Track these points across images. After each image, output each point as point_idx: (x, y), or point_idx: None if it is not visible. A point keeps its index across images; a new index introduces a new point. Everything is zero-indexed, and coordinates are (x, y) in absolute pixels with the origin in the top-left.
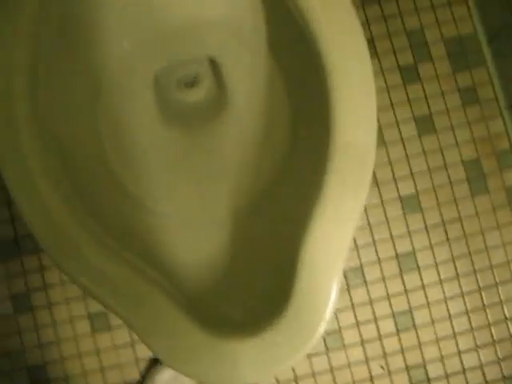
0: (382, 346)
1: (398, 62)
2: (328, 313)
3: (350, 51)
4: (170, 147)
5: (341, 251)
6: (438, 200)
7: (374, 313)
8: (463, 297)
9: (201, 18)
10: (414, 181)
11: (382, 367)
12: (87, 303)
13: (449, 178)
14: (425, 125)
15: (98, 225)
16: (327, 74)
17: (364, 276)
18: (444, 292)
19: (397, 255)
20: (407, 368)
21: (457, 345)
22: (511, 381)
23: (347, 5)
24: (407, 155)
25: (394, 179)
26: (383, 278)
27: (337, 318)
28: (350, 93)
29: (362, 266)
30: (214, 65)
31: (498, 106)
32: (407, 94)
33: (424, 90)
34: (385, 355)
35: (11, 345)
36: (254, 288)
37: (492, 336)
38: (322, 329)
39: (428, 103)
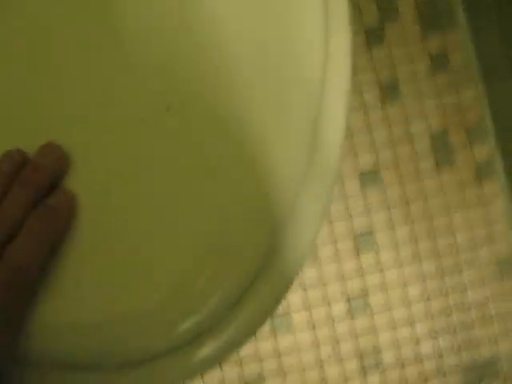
0: (334, 331)
1: (363, 23)
2: None
3: None
4: None
5: None
6: (400, 174)
7: (326, 295)
8: (424, 280)
9: None
10: (375, 153)
11: (333, 353)
12: None
13: (413, 150)
14: (389, 91)
15: None
16: None
17: (317, 255)
18: (404, 275)
19: (354, 233)
20: (360, 354)
21: (414, 331)
22: (470, 370)
23: None
24: (369, 124)
25: (354, 150)
26: (338, 258)
27: (286, 299)
28: None
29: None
30: None
31: (470, 75)
32: (372, 57)
33: (390, 54)
34: (336, 341)
35: None
36: None
37: (453, 323)
38: None
39: (394, 68)
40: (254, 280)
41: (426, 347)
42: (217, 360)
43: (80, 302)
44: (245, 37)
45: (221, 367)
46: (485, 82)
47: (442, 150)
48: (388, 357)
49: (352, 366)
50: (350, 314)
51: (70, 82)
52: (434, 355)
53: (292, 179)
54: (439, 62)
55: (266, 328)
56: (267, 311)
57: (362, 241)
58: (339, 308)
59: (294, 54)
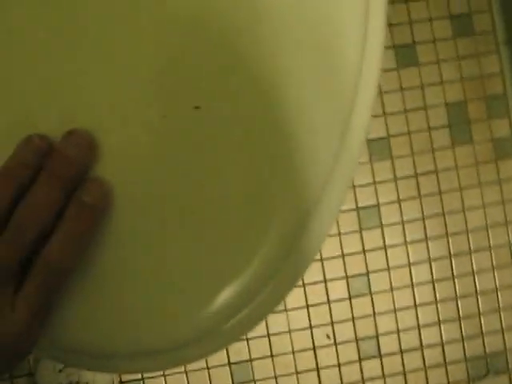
0: (330, 313)
1: None
2: None
3: None
4: None
5: None
6: (412, 147)
7: (324, 273)
8: (430, 263)
9: None
10: (385, 122)
11: (327, 336)
12: None
13: (428, 121)
14: (406, 55)
15: None
16: None
17: None
18: (408, 256)
19: (357, 208)
20: (357, 339)
21: (417, 317)
22: (473, 363)
23: None
24: (381, 90)
25: None
26: (339, 234)
27: None
28: None
29: None
30: None
31: (494, 41)
32: (389, 17)
33: (409, 14)
34: (332, 323)
35: None
36: None
37: (458, 311)
38: None
39: (412, 30)
40: (287, 254)
41: (429, 334)
42: (237, 337)
43: (106, 292)
44: (284, 28)
45: None
46: (509, 50)
47: (458, 122)
48: (388, 342)
49: (348, 350)
50: (349, 294)
51: (92, 65)
52: (437, 343)
53: (325, 164)
54: (462, 24)
55: None
56: (291, 284)
57: (366, 214)
58: (338, 287)
59: (335, 42)
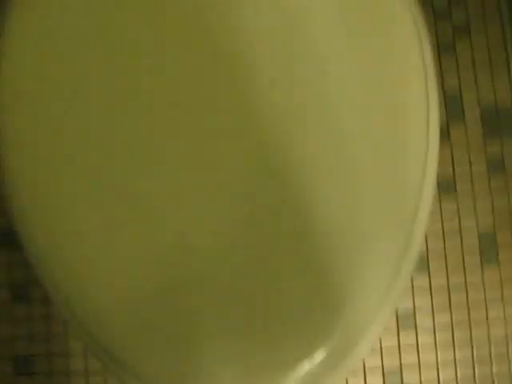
0: None
1: None
2: None
3: None
4: None
5: None
6: (446, 262)
7: (363, 366)
8: (456, 367)
9: None
10: (425, 241)
11: None
12: None
13: (461, 242)
14: (446, 189)
15: None
16: None
17: None
18: (437, 356)
19: (397, 313)
20: None
21: None
22: None
23: None
24: None
25: None
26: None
27: None
28: None
29: None
30: None
31: None
32: None
33: (452, 152)
34: None
35: None
36: None
37: None
38: None
39: (453, 166)
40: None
41: None
42: None
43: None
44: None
45: None
46: None
47: (487, 248)
48: None
49: None
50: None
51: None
52: None
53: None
54: (495, 166)
55: None
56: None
57: (404, 321)
58: (374, 381)
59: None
